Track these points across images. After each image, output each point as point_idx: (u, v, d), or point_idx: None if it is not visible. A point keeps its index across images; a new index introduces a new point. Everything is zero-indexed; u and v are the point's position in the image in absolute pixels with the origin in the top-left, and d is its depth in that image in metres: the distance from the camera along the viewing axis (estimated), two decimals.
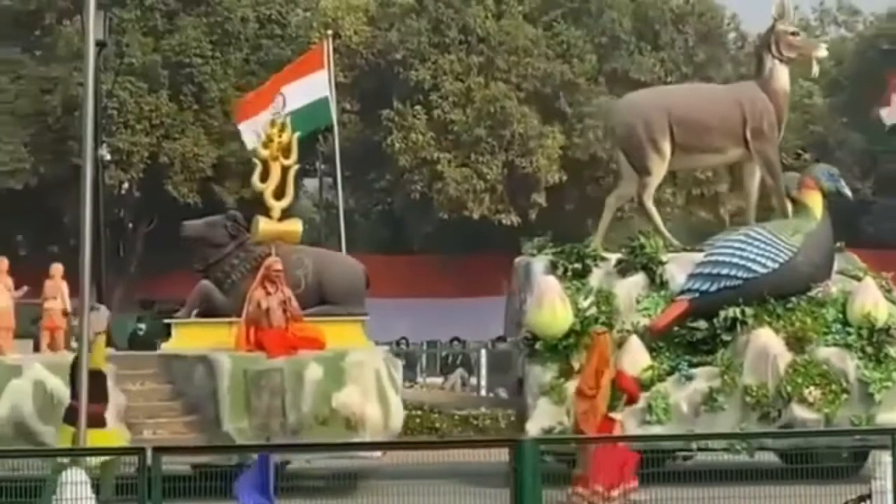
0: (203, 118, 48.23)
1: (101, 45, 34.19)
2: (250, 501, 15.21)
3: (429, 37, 49.20)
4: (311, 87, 30.84)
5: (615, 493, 19.18)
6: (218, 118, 47.34)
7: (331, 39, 31.75)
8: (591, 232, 49.91)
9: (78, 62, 42.04)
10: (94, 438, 19.08)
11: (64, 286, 25.05)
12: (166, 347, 23.49)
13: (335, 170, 32.90)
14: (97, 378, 19.65)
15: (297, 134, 24.85)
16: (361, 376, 21.88)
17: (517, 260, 24.95)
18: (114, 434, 20.01)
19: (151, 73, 48.45)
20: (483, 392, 33.84)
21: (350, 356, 22.27)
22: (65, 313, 24.99)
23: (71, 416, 19.41)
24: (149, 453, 12.21)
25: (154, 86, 48.45)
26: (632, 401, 20.70)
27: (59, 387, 21.12)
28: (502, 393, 29.07)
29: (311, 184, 54.99)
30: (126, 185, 49.62)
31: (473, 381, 37.96)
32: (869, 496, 13.61)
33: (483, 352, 38.14)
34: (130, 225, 50.11)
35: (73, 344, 22.19)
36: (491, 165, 47.81)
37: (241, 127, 30.60)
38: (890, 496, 12.90)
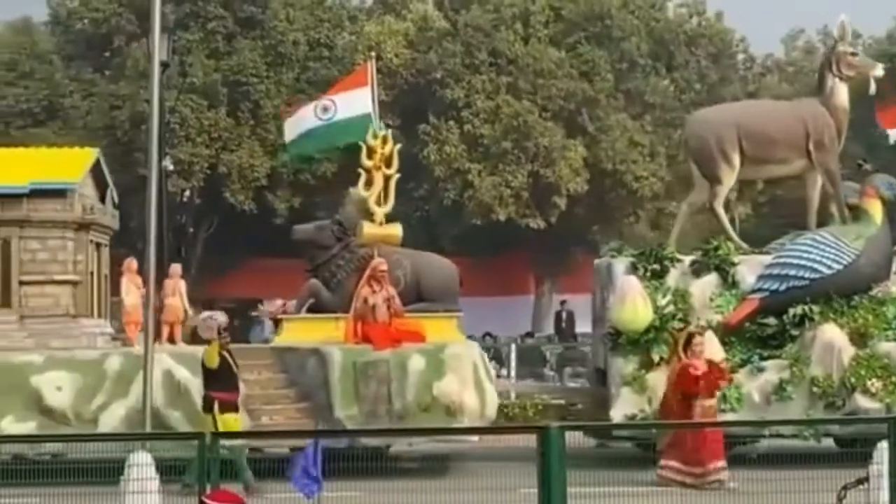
0: (258, 132, 48.17)
1: (165, 65, 34.21)
2: (301, 484, 14.92)
3: (461, 59, 49.09)
4: (356, 102, 30.48)
5: (701, 469, 19.25)
6: (272, 132, 47.10)
7: (374, 61, 31.46)
8: (606, 237, 50.93)
9: (144, 81, 41.78)
10: (223, 423, 19.38)
11: (182, 284, 25.05)
12: (279, 340, 23.47)
13: None
14: (230, 371, 20.10)
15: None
16: (460, 367, 21.82)
17: (597, 261, 24.90)
18: (237, 420, 20.13)
19: (211, 91, 48.45)
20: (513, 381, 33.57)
21: (449, 349, 22.27)
22: (185, 313, 24.97)
23: (207, 405, 19.85)
24: (207, 438, 12.11)
25: (213, 102, 48.48)
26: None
27: (186, 376, 21.23)
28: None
29: (356, 192, 54.60)
30: (187, 193, 49.71)
31: (503, 372, 37.79)
32: (867, 479, 13.35)
33: (513, 346, 37.95)
34: (191, 230, 49.89)
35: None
36: (516, 174, 47.80)
37: (286, 125, 30.27)
38: (886, 479, 12.51)
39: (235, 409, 20.03)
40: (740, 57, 52.04)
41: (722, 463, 19.37)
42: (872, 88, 24.99)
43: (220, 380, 19.97)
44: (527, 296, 53.77)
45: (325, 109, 28.24)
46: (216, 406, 19.67)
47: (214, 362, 19.91)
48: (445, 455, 21.96)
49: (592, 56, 48.69)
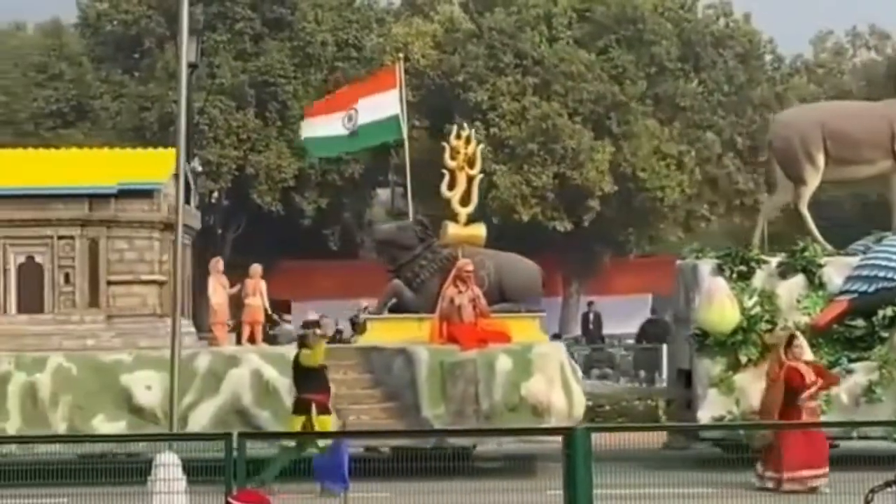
0: (286, 133, 47.99)
1: (193, 66, 34.14)
2: (327, 482, 15.46)
3: (485, 62, 48.97)
4: (384, 104, 30.37)
5: (803, 474, 19.08)
6: (299, 133, 46.98)
7: (402, 62, 31.36)
8: (634, 238, 50.98)
9: (173, 82, 41.48)
10: (320, 423, 19.59)
11: (263, 285, 25.02)
12: (363, 340, 23.45)
13: (405, 180, 32.47)
14: (321, 372, 20.21)
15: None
16: (547, 367, 21.81)
17: (679, 263, 24.71)
18: (330, 420, 20.18)
19: (239, 92, 48.41)
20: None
21: (536, 349, 22.31)
22: (266, 313, 25.16)
23: (299, 408, 19.86)
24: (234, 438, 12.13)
25: (241, 104, 48.44)
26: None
27: (275, 376, 21.30)
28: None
29: (383, 193, 54.92)
30: (216, 195, 49.41)
31: None
32: (895, 482, 13.19)
33: None
34: (219, 231, 49.62)
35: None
36: (540, 175, 47.65)
37: (305, 122, 30.30)
38: None
39: (328, 410, 20.10)
40: (768, 58, 52.09)
41: (825, 470, 19.22)
42: None
43: (314, 381, 20.02)
44: (554, 297, 53.70)
45: (349, 118, 28.45)
46: (314, 408, 19.68)
47: (318, 362, 20.02)
48: (531, 455, 21.72)
49: (623, 60, 48.58)
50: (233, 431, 13.22)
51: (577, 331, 46.02)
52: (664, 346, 29.32)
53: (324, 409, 19.84)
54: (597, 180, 47.63)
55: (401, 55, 34.40)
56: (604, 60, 48.81)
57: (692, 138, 48.87)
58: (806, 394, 19.86)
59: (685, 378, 23.61)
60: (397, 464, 18.62)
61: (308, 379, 19.96)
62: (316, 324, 23.53)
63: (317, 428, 19.34)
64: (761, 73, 51.11)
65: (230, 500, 6.64)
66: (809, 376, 19.95)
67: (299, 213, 48.83)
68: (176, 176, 18.37)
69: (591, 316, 42.95)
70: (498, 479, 19.29)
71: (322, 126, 29.49)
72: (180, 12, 15.47)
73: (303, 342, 20.59)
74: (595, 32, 49.39)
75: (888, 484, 13.27)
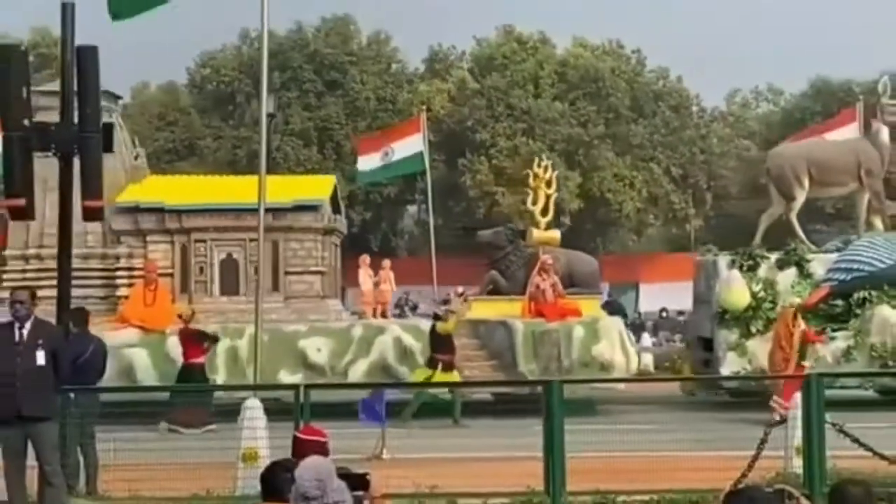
0: (340, 165, 47.66)
1: (271, 116, 34.08)
2: (367, 419, 15.30)
3: (486, 111, 49.11)
4: (412, 144, 30.61)
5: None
6: (350, 165, 46.97)
7: (425, 113, 31.55)
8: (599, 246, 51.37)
9: (257, 128, 41.54)
10: (446, 377, 19.56)
11: (391, 275, 25.19)
12: (470, 316, 23.06)
13: (427, 199, 32.56)
14: (450, 338, 20.19)
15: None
16: (610, 334, 21.81)
17: (699, 259, 24.87)
18: (456, 374, 20.13)
19: (306, 135, 48.33)
20: None
21: (602, 321, 22.39)
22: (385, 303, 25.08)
23: (430, 364, 19.92)
24: (302, 390, 12.15)
25: (307, 143, 48.32)
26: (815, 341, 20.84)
27: (411, 342, 21.13)
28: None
29: (412, 208, 54.99)
30: None
31: None
32: (784, 420, 13.38)
33: None
34: None
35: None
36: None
37: (360, 159, 30.42)
38: (799, 421, 12.74)
39: (453, 366, 20.07)
40: (695, 108, 52.11)
41: None
42: None
43: (444, 345, 20.01)
44: None
45: (386, 154, 28.73)
46: (440, 366, 19.69)
47: (449, 331, 20.00)
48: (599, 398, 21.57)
49: (587, 110, 48.83)
50: (300, 383, 13.27)
51: None
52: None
53: (449, 366, 19.80)
54: (569, 200, 47.91)
55: (424, 107, 34.64)
56: (573, 110, 48.92)
57: (640, 167, 49.03)
58: (816, 343, 20.55)
59: (703, 343, 23.77)
60: (499, 406, 18.77)
61: (440, 343, 19.92)
62: (446, 302, 23.59)
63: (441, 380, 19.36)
64: (689, 119, 51.24)
65: (297, 433, 6.70)
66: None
67: (349, 223, 48.62)
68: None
69: None
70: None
71: (367, 160, 29.79)
72: (261, 76, 15.66)
73: (437, 316, 20.62)
74: (567, 89, 49.61)
75: (780, 421, 13.51)
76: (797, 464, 12.79)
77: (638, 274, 48.80)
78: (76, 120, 10.72)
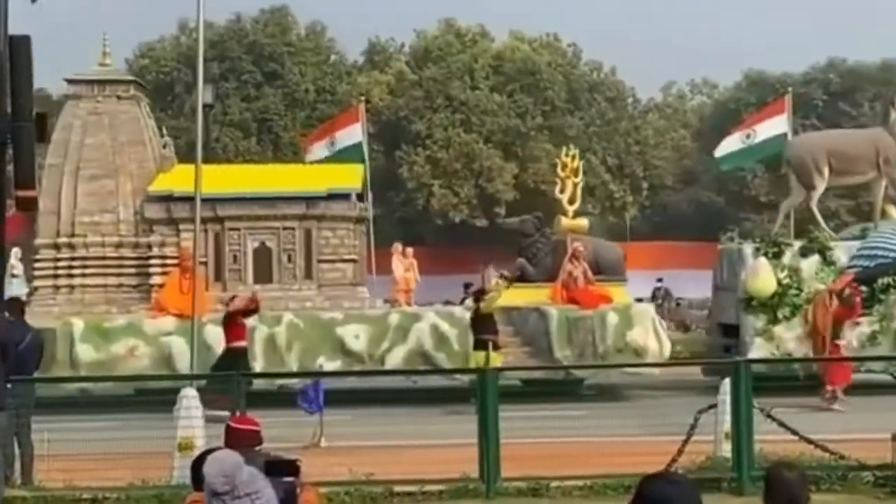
0: (278, 155, 47.52)
1: (209, 106, 33.86)
2: (305, 405, 15.34)
3: (423, 102, 49.13)
4: (352, 134, 30.64)
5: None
6: (289, 156, 46.89)
7: (364, 104, 31.44)
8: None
9: (195, 117, 41.38)
10: (495, 359, 19.30)
11: (414, 263, 25.63)
12: (501, 303, 22.22)
13: (366, 190, 32.62)
14: (492, 318, 20.04)
15: None
16: (643, 320, 21.62)
17: (722, 247, 24.60)
18: (501, 356, 20.01)
19: (244, 125, 48.01)
20: None
21: (635, 307, 22.38)
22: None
23: (479, 345, 19.68)
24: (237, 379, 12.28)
25: (246, 134, 48.01)
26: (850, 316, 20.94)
27: (447, 328, 20.95)
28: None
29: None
30: None
31: None
32: (716, 405, 13.27)
33: None
34: None
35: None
36: (463, 187, 47.96)
37: (309, 149, 30.16)
38: (728, 406, 12.79)
39: (499, 346, 19.92)
40: (630, 100, 52.41)
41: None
42: None
43: (489, 325, 19.83)
44: (476, 274, 53.91)
45: (332, 143, 28.66)
46: (490, 345, 19.53)
47: (491, 309, 19.86)
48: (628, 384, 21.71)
49: (525, 102, 48.97)
50: (235, 373, 13.43)
51: None
52: None
53: (497, 346, 19.71)
54: (504, 191, 48.09)
55: (363, 98, 34.50)
56: (511, 102, 49.12)
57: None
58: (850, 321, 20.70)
59: (724, 330, 23.67)
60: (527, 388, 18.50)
61: (485, 323, 19.71)
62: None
63: (492, 363, 18.69)
64: (624, 111, 51.60)
65: (229, 422, 6.66)
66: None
67: None
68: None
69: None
70: (595, 401, 19.17)
71: (314, 152, 29.73)
72: (197, 67, 15.51)
73: (479, 297, 20.45)
74: (505, 81, 49.70)
75: (711, 407, 13.27)
76: (726, 448, 12.88)
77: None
78: (9, 110, 10.57)
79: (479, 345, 19.66)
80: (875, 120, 47.38)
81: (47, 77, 24.68)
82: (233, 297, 19.69)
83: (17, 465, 12.62)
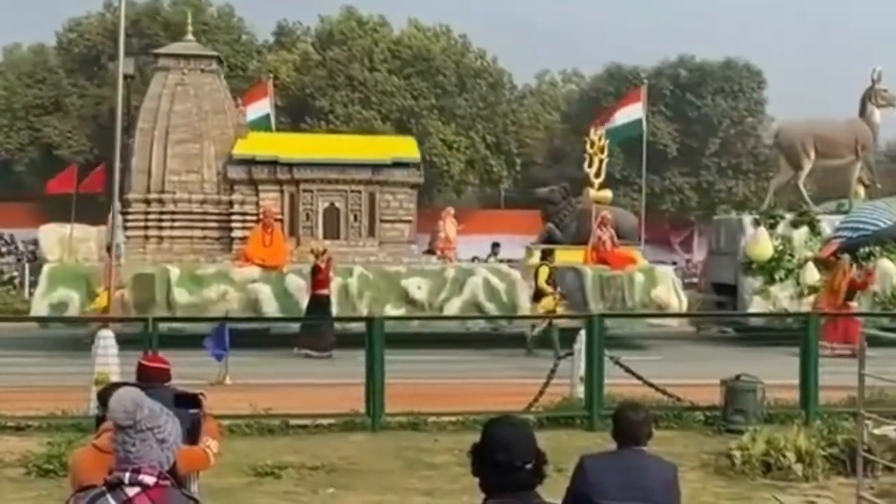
0: None
1: (129, 76, 33.13)
2: (213, 350, 15.06)
3: (327, 81, 48.63)
4: (261, 108, 30.51)
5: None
6: None
7: (272, 80, 31.14)
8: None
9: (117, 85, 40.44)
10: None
11: (454, 222, 25.76)
12: (532, 263, 22.26)
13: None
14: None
15: None
16: (666, 280, 21.78)
17: (718, 218, 25.86)
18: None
19: None
20: None
21: (658, 269, 22.68)
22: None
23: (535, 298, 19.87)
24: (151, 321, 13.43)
25: None
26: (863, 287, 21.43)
27: (497, 283, 20.86)
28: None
29: None
30: None
31: None
32: (571, 353, 13.56)
33: None
34: None
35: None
36: None
37: None
38: (583, 355, 13.03)
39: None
40: (508, 86, 52.38)
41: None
42: None
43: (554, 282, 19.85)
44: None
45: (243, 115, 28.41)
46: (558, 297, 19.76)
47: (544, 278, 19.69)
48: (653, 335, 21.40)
49: (419, 85, 48.80)
50: (150, 316, 13.46)
51: None
52: None
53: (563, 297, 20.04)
54: None
55: (271, 75, 34.23)
56: (407, 84, 48.81)
57: (463, 135, 49.20)
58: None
59: (716, 288, 24.29)
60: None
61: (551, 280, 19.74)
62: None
63: (541, 310, 19.13)
64: (503, 95, 51.69)
65: (141, 361, 6.65)
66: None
67: None
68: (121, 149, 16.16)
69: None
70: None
71: None
72: (119, 41, 15.48)
73: (545, 256, 20.33)
74: (402, 65, 49.39)
75: (569, 354, 13.59)
76: (581, 391, 13.14)
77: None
78: None
79: (535, 296, 19.88)
80: (716, 111, 48.58)
81: None
82: (324, 251, 19.67)
83: None
